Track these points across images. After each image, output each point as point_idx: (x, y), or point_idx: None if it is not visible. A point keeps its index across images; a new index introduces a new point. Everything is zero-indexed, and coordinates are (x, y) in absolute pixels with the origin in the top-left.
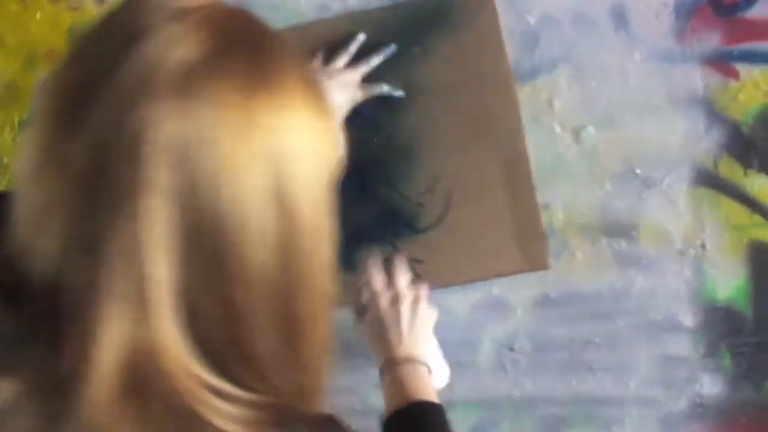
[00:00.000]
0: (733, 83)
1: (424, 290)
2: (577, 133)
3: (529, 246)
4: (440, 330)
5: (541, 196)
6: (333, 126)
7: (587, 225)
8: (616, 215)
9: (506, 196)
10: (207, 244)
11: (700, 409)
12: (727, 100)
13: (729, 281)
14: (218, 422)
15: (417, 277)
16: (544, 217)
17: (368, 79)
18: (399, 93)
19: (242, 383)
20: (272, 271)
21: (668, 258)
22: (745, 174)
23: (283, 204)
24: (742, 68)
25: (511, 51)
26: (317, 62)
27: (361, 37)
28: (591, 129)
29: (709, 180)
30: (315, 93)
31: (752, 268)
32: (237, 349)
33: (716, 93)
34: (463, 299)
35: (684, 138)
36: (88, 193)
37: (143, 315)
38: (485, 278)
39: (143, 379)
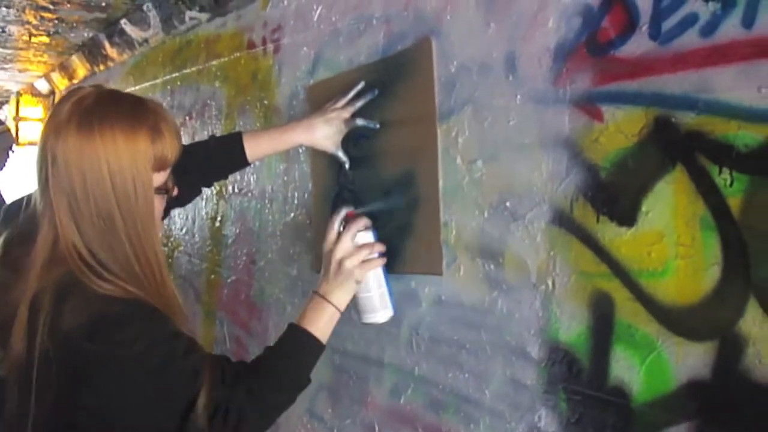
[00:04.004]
0: (597, 125)
1: (361, 253)
2: (470, 165)
3: (430, 254)
4: None
5: (443, 215)
6: (144, 145)
7: (470, 245)
8: (490, 241)
9: (421, 212)
10: (82, 203)
11: None
12: (589, 143)
13: (572, 325)
14: (89, 283)
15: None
16: (443, 233)
17: (358, 114)
18: (374, 125)
19: (115, 275)
20: (116, 215)
21: (524, 288)
22: (598, 221)
23: (114, 181)
24: (607, 110)
25: (438, 93)
26: (329, 103)
27: (360, 85)
28: (480, 163)
29: (564, 221)
30: (131, 130)
31: (593, 318)
32: (110, 257)
33: (580, 135)
34: (396, 285)
35: (548, 178)
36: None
37: (56, 230)
38: (404, 273)
39: (57, 256)
